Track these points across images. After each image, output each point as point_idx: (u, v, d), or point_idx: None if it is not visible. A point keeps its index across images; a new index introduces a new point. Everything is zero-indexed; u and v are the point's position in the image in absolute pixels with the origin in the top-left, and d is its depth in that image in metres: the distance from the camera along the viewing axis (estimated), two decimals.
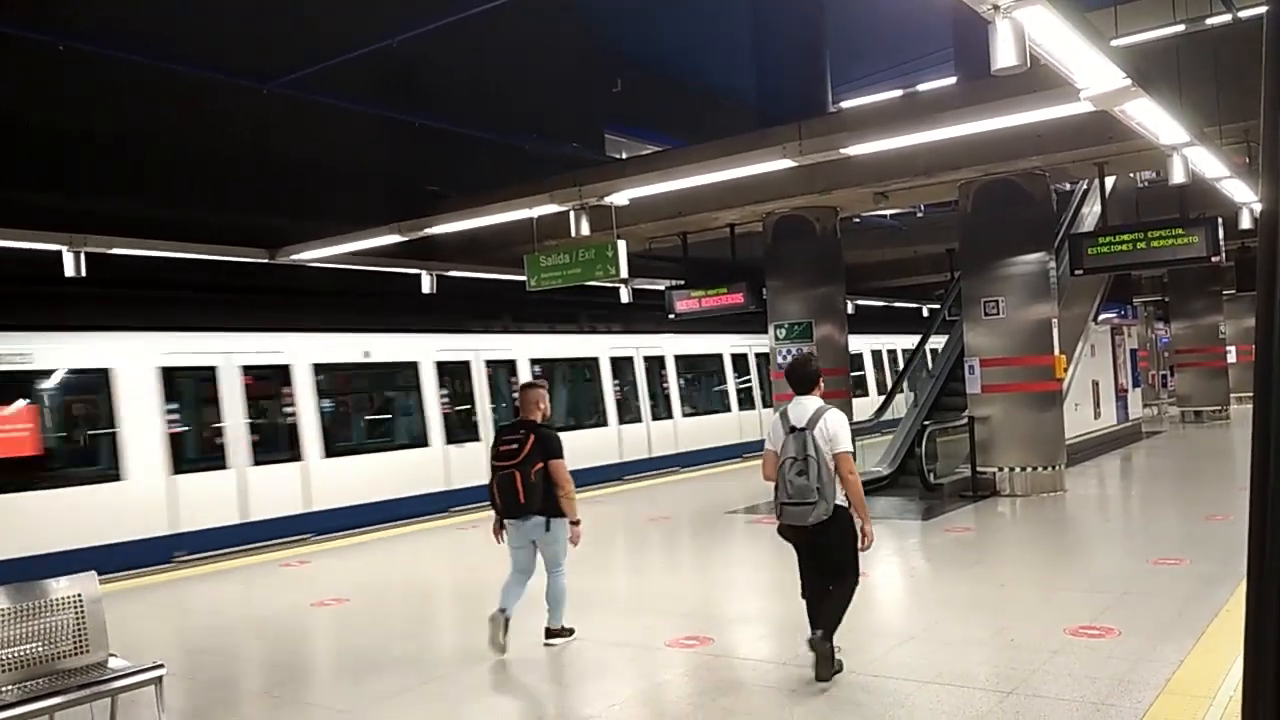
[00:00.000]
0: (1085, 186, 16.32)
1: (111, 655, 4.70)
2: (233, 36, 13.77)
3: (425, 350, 14.09)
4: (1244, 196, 11.25)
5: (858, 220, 19.36)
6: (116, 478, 10.47)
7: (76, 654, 4.59)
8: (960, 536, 9.50)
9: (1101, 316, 16.35)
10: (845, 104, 17.90)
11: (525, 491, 5.83)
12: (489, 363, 14.96)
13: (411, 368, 13.89)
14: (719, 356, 19.84)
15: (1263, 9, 2.01)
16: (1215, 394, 21.64)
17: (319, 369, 12.67)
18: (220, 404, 11.56)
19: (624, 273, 10.57)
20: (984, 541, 9.52)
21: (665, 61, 23.32)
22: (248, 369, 11.85)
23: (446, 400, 14.18)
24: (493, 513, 6.22)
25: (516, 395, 6.48)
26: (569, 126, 19.45)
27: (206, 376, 11.54)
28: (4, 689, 4.32)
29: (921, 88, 17.32)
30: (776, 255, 13.32)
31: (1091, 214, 15.85)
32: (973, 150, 10.25)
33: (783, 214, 12.97)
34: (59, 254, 10.51)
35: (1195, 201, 11.66)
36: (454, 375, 14.44)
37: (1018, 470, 11.48)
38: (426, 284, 14.23)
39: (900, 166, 10.74)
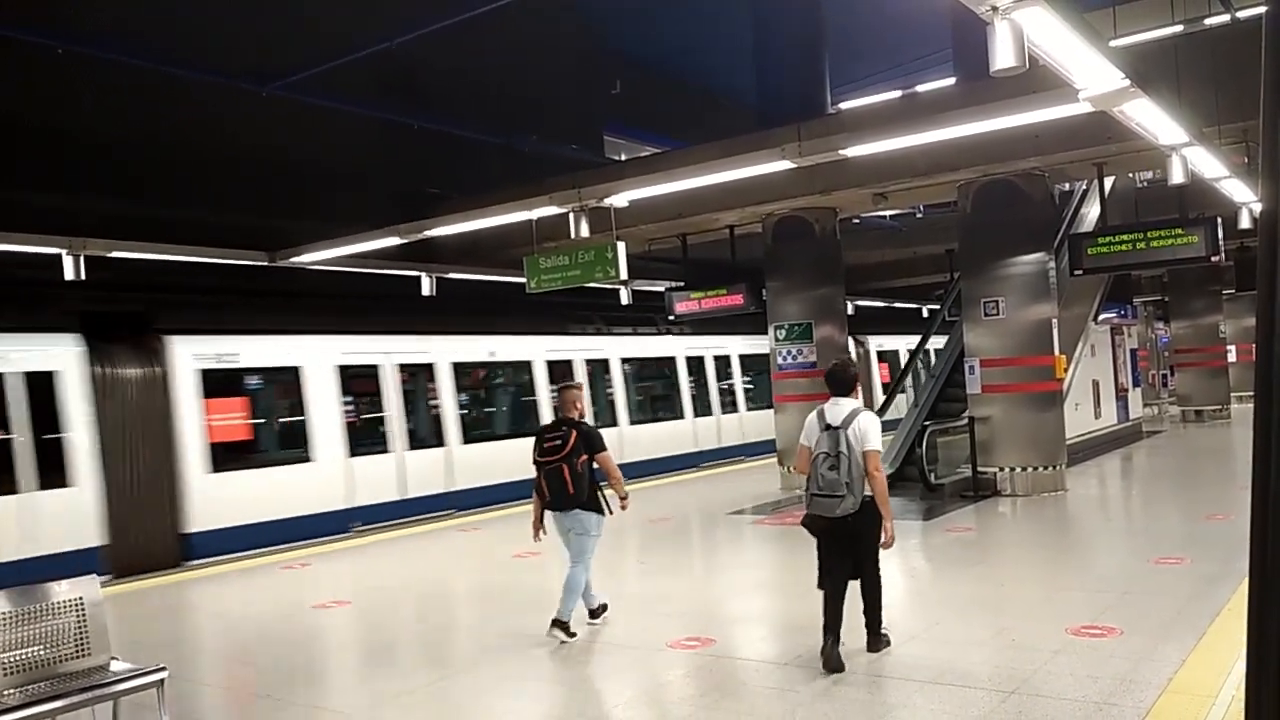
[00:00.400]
0: (1085, 187, 16.33)
1: (113, 658, 4.70)
2: (232, 39, 13.79)
3: (537, 350, 15.81)
4: (1243, 196, 11.26)
5: (857, 221, 19.34)
6: (307, 459, 12.13)
7: (78, 657, 4.59)
8: (961, 536, 9.50)
9: (1101, 316, 16.35)
10: (845, 105, 17.89)
11: (573, 482, 6.26)
12: (588, 361, 16.66)
13: (526, 366, 15.62)
14: None
15: (1261, 9, 2.02)
16: (1216, 393, 21.63)
17: (457, 367, 14.40)
18: (383, 397, 13.24)
19: (623, 274, 10.57)
20: (985, 541, 9.52)
21: (665, 62, 23.31)
22: (403, 367, 13.60)
23: (555, 394, 15.30)
24: (526, 510, 6.64)
25: (559, 392, 6.93)
26: (568, 128, 19.47)
27: (371, 374, 13.24)
28: (6, 693, 4.32)
29: (921, 89, 17.32)
30: (776, 256, 13.33)
31: (1091, 214, 15.86)
32: (972, 151, 10.26)
33: (782, 215, 12.98)
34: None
35: (1194, 201, 11.67)
36: (561, 372, 15.94)
37: (1018, 470, 11.48)
38: (426, 286, 14.25)
39: (899, 167, 10.74)
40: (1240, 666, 4.80)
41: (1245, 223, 12.28)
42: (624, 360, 17.36)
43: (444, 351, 14.18)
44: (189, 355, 11.27)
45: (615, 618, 6.90)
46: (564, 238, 10.66)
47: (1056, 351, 11.54)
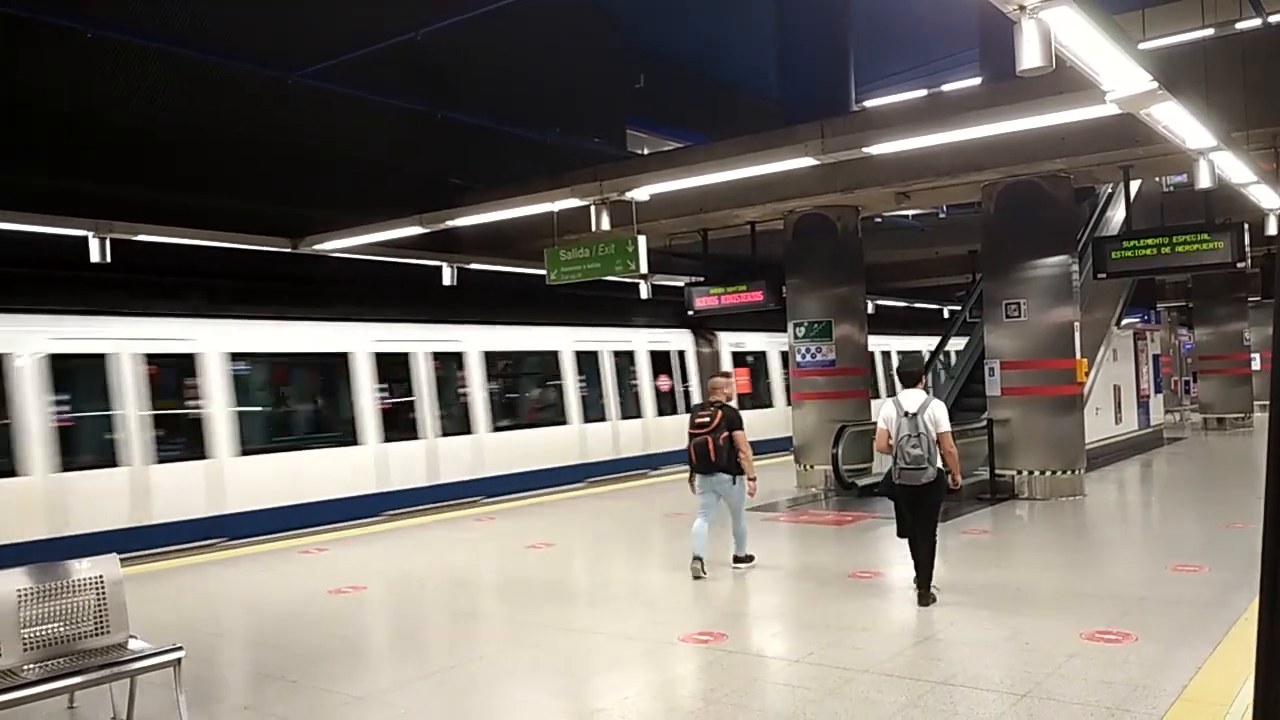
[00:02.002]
0: (1110, 190, 16.20)
1: (131, 637, 4.77)
2: (260, 27, 13.87)
3: (892, 344, 22.81)
4: (1271, 202, 11.14)
5: (879, 220, 19.29)
6: (771, 405, 19.24)
7: (97, 634, 4.66)
8: (977, 539, 9.46)
9: (1124, 321, 16.22)
10: (869, 103, 17.84)
11: (715, 452, 7.70)
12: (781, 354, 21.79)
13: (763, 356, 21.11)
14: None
15: None
16: (1238, 401, 21.41)
17: (738, 355, 20.68)
18: (687, 375, 18.58)
19: (644, 268, 10.58)
20: (1001, 544, 9.48)
21: (689, 57, 23.27)
22: (735, 355, 19.70)
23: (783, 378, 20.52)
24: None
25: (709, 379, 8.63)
26: (591, 121, 19.49)
27: (672, 361, 18.73)
28: (26, 668, 4.39)
29: (946, 88, 17.23)
30: (797, 253, 13.29)
31: (1116, 218, 15.73)
32: (996, 151, 10.19)
33: (804, 212, 12.94)
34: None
35: (1221, 207, 11.55)
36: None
37: (1037, 474, 11.42)
38: (447, 276, 14.31)
39: (923, 166, 10.69)
40: None
41: (1272, 229, 12.15)
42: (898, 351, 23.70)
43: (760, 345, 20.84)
44: (727, 343, 19.07)
45: (628, 610, 6.93)
46: (585, 230, 10.68)
47: (1078, 355, 11.46)
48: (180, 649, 4.63)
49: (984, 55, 14.17)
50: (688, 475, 8.12)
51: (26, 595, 4.50)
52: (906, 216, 20.14)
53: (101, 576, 4.73)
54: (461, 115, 16.21)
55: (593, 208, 10.17)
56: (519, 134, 17.25)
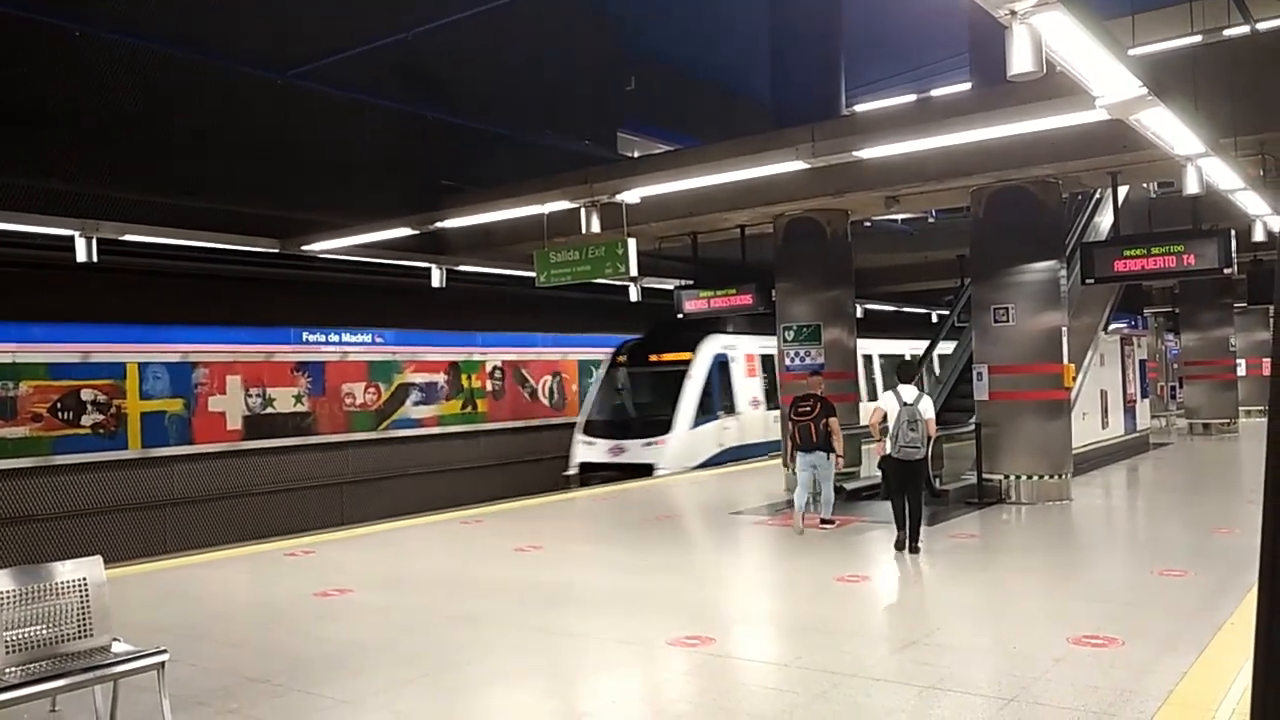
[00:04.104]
0: (1098, 195, 16.27)
1: (115, 639, 4.72)
2: (250, 26, 13.81)
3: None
4: (1258, 209, 11.21)
5: (869, 224, 19.33)
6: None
7: (80, 637, 4.62)
8: (964, 543, 9.48)
9: (1111, 326, 16.27)
10: (859, 107, 17.86)
11: (816, 434, 9.72)
12: None
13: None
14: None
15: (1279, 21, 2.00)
16: (1224, 406, 21.52)
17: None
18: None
19: (634, 271, 10.58)
20: (988, 548, 9.50)
21: (680, 60, 23.28)
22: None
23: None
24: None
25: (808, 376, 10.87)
26: (582, 123, 19.47)
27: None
28: (7, 671, 4.34)
29: (936, 92, 17.29)
30: (786, 257, 13.30)
31: (1103, 223, 15.80)
32: (985, 156, 10.22)
33: (794, 216, 12.95)
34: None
35: (1208, 213, 11.62)
36: None
37: (1024, 478, 11.45)
38: (436, 278, 14.27)
39: (912, 170, 10.70)
40: (1241, 681, 4.79)
41: (1259, 235, 12.23)
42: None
43: None
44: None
45: (615, 614, 6.91)
46: (575, 233, 10.66)
47: (1065, 360, 11.50)
48: (164, 652, 4.59)
49: (974, 60, 14.19)
50: (786, 455, 10.09)
51: (9, 598, 4.46)
52: (896, 221, 20.19)
53: (85, 579, 4.68)
54: (452, 116, 16.16)
55: (583, 210, 10.16)
56: (510, 136, 17.21)
